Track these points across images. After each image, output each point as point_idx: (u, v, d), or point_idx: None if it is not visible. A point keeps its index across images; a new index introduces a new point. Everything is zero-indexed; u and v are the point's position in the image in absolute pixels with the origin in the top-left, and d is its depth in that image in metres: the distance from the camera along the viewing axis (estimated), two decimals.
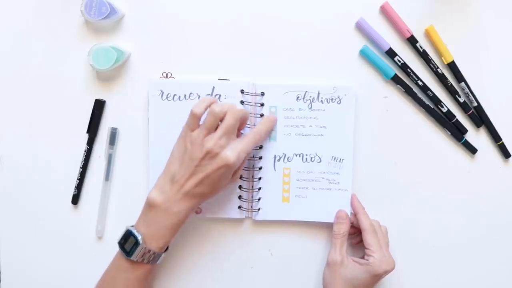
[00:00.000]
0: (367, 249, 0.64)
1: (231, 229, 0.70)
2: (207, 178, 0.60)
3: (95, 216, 0.70)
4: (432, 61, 0.67)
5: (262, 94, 0.67)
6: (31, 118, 0.69)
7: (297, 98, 0.67)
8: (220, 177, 0.60)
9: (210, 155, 0.59)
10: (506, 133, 0.69)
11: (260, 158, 0.68)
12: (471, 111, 0.68)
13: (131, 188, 0.69)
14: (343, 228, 0.66)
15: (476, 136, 0.69)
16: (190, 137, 0.60)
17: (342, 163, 0.67)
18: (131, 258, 0.60)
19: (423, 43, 0.67)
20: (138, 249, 0.60)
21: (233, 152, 0.59)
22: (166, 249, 0.63)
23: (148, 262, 0.61)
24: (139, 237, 0.60)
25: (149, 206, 0.61)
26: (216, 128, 0.60)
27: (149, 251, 0.60)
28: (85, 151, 0.69)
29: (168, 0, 0.68)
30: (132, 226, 0.62)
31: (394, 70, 0.67)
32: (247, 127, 0.66)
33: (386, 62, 0.67)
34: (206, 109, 0.61)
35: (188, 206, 0.61)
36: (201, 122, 0.61)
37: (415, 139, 0.69)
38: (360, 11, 0.67)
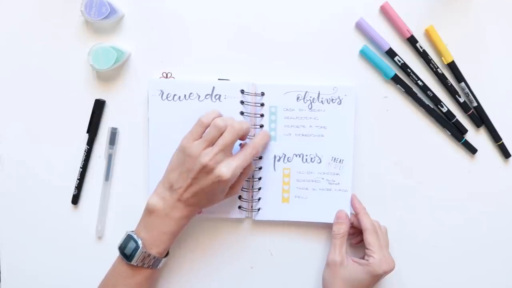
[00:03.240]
0: (367, 249, 0.64)
1: (231, 229, 0.70)
2: (202, 191, 0.60)
3: (95, 216, 0.70)
4: (432, 61, 0.67)
5: (262, 94, 0.67)
6: (31, 118, 0.69)
7: (297, 98, 0.67)
8: (215, 191, 0.61)
9: (205, 169, 0.59)
10: (506, 133, 0.69)
11: (260, 158, 0.68)
12: (471, 111, 0.68)
13: (131, 188, 0.69)
14: (342, 229, 0.66)
15: (476, 136, 0.69)
16: (189, 149, 0.60)
17: (342, 163, 0.67)
18: (132, 262, 0.60)
19: (423, 43, 0.67)
20: (138, 253, 0.60)
21: (228, 168, 0.59)
22: (167, 254, 0.64)
23: (149, 267, 0.61)
24: (139, 242, 0.60)
25: (149, 212, 0.61)
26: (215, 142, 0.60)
27: (149, 255, 0.60)
28: (85, 151, 0.69)
29: (169, 0, 0.68)
30: (132, 231, 0.62)
31: (394, 70, 0.67)
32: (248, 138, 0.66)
33: (386, 62, 0.67)
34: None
35: (187, 213, 0.61)
36: None
37: (415, 139, 0.69)
38: (360, 11, 0.67)
